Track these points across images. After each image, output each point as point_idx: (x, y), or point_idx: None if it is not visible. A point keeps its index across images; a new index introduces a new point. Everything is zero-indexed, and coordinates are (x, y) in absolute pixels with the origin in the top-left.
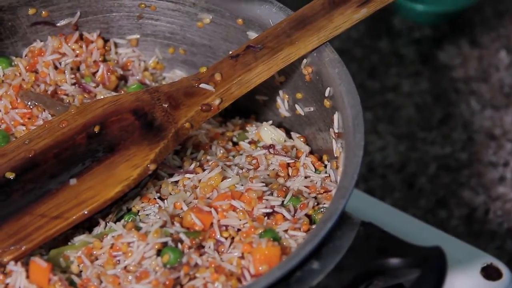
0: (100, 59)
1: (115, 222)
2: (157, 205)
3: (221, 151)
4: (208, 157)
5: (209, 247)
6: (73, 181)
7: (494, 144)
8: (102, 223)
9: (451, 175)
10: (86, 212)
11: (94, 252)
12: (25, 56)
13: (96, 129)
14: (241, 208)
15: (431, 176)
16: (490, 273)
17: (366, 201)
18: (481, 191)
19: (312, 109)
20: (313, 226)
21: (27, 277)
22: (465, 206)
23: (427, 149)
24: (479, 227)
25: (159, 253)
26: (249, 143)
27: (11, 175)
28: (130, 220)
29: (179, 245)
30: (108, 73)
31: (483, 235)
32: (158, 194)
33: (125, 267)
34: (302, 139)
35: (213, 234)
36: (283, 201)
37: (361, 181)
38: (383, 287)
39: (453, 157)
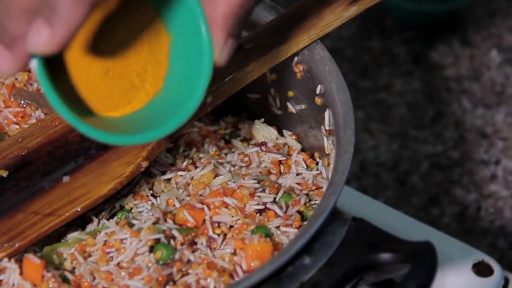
0: None
1: (108, 219)
2: (150, 202)
3: (214, 149)
4: (201, 155)
5: (202, 244)
6: (66, 179)
7: (485, 142)
8: (95, 220)
9: (443, 173)
10: (79, 209)
11: (87, 249)
12: None
13: None
14: (233, 205)
15: (423, 174)
16: (481, 269)
17: (359, 199)
18: (473, 189)
19: (303, 106)
20: (305, 223)
21: (21, 273)
22: (457, 204)
23: (419, 147)
24: (471, 224)
25: (151, 249)
26: (241, 140)
27: (4, 173)
28: (123, 217)
29: (172, 242)
30: None
31: (475, 232)
32: (151, 192)
33: (118, 264)
34: (293, 137)
35: (206, 231)
36: (275, 198)
37: (354, 179)
38: (374, 282)
39: (445, 155)
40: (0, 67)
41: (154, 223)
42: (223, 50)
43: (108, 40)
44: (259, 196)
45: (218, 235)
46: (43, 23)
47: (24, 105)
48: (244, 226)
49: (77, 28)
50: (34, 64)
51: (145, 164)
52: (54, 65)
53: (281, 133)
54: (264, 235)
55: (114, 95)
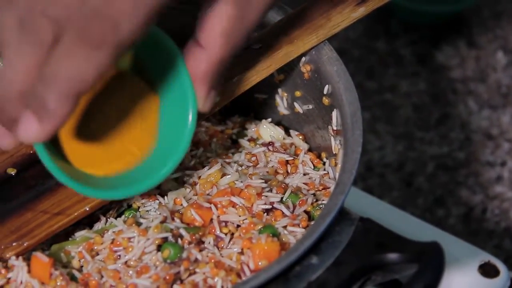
0: None
1: (115, 218)
2: (157, 201)
3: (221, 149)
4: (208, 154)
5: (209, 243)
6: None
7: (491, 144)
8: (103, 219)
9: (448, 174)
10: (87, 209)
11: (95, 247)
12: None
13: None
14: (240, 204)
15: (429, 175)
16: (487, 270)
17: (365, 199)
18: (478, 190)
19: (310, 107)
20: (312, 223)
21: (29, 271)
22: (462, 205)
23: (425, 148)
24: (476, 226)
25: (159, 248)
26: (249, 140)
27: (12, 171)
28: (130, 215)
29: (179, 241)
30: None
31: (481, 233)
32: (158, 191)
33: (126, 262)
34: (301, 137)
35: (213, 230)
36: (282, 198)
37: (360, 180)
38: (380, 282)
39: (450, 156)
40: (1, 145)
41: (162, 222)
42: (206, 102)
43: (99, 116)
44: (266, 196)
45: (226, 234)
46: (32, 116)
47: None
48: (252, 225)
49: (65, 120)
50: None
51: None
52: None
53: (288, 133)
54: (271, 235)
55: (105, 161)
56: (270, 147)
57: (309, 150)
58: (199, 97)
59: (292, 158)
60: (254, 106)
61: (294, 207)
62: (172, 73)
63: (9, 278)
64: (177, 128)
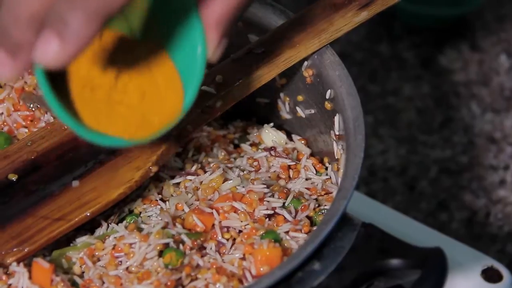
0: None
1: (117, 224)
2: (159, 206)
3: (223, 153)
4: (210, 159)
5: (211, 248)
6: (75, 183)
7: (494, 147)
8: (104, 224)
9: (451, 178)
10: (88, 214)
11: (96, 253)
12: None
13: None
14: (242, 210)
15: (432, 179)
16: (490, 275)
17: (368, 204)
18: (481, 194)
19: (313, 111)
20: (314, 228)
21: (30, 277)
22: (465, 209)
23: (428, 152)
24: (479, 230)
25: (160, 254)
26: (250, 145)
27: (13, 177)
28: (132, 221)
29: (181, 246)
30: None
31: (484, 238)
32: (160, 196)
33: (127, 268)
34: (303, 142)
35: (215, 236)
36: (284, 203)
37: (362, 184)
38: None
39: (453, 160)
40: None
41: (163, 228)
42: (216, 50)
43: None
44: (268, 201)
45: (227, 240)
46: (53, 36)
47: (33, 109)
48: (253, 231)
49: (88, 44)
50: (35, 71)
51: (154, 169)
52: (55, 73)
53: (290, 138)
54: (273, 240)
55: (122, 128)
56: (272, 152)
57: (311, 155)
58: (210, 45)
59: (294, 163)
60: (256, 110)
61: (296, 212)
62: (183, 21)
63: (10, 285)
64: (186, 78)
